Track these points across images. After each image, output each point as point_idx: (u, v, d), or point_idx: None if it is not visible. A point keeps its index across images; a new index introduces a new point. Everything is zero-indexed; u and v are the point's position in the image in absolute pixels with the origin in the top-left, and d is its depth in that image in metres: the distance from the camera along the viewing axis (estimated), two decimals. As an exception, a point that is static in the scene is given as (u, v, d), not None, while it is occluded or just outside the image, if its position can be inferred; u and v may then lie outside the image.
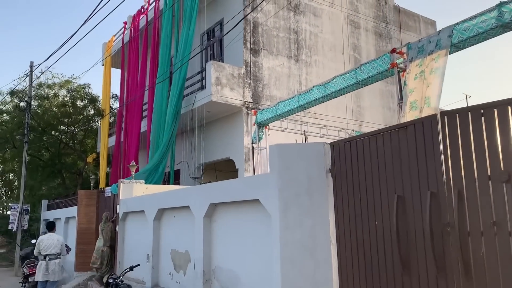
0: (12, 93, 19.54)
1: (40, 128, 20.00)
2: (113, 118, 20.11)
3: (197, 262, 6.68)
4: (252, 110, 11.44)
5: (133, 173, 10.65)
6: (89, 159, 20.40)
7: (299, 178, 5.10)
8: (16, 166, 23.66)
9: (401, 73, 6.51)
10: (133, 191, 10.26)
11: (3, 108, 21.35)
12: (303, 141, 11.16)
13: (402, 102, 6.26)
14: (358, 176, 4.66)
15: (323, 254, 4.97)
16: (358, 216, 4.64)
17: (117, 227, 10.15)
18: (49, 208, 17.90)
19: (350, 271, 4.71)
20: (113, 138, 18.67)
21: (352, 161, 4.76)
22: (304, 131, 11.15)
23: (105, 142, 18.42)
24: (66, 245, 10.61)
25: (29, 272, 12.76)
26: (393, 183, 4.24)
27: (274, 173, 5.17)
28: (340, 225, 4.92)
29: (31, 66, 18.24)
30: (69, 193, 18.60)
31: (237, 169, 12.40)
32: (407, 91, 6.13)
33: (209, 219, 6.69)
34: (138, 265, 7.84)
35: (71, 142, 21.44)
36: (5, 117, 21.16)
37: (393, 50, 6.62)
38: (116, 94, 20.79)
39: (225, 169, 14.60)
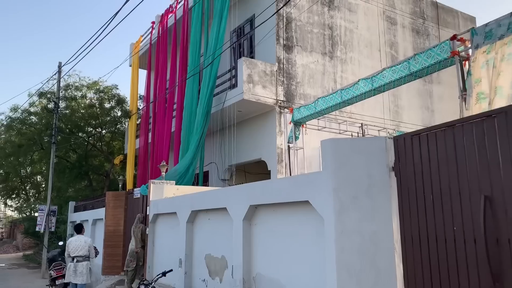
0: (41, 94, 19.54)
1: (67, 130, 19.92)
2: (139, 119, 19.88)
3: (236, 268, 6.15)
4: (289, 108, 10.87)
5: (163, 173, 10.22)
6: (116, 161, 20.20)
7: (357, 177, 4.51)
8: (43, 167, 23.70)
9: (463, 62, 5.85)
10: (164, 192, 9.82)
11: (32, 110, 21.40)
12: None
13: (465, 94, 5.59)
14: (430, 175, 4.04)
15: (385, 263, 4.37)
16: (430, 221, 4.02)
17: (147, 229, 9.72)
18: (76, 210, 17.72)
19: (420, 285, 4.09)
20: (140, 139, 18.40)
21: (422, 157, 4.15)
22: (353, 133, 10.48)
23: (132, 144, 18.14)
24: (95, 247, 10.26)
25: (56, 274, 12.48)
26: (478, 182, 3.61)
27: (328, 171, 4.60)
28: (407, 231, 4.30)
29: (59, 66, 18.16)
30: (96, 195, 18.43)
31: (269, 170, 11.84)
32: (472, 81, 5.47)
33: (249, 222, 6.15)
34: (171, 270, 7.36)
35: (98, 143, 21.31)
36: (33, 118, 21.19)
37: (454, 37, 5.97)
38: (143, 95, 20.55)
39: (255, 171, 14.08)
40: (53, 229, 17.96)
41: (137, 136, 18.43)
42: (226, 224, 6.72)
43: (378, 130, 11.28)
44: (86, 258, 9.86)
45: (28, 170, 36.06)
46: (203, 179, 13.62)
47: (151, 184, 9.78)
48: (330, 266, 4.44)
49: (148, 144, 16.73)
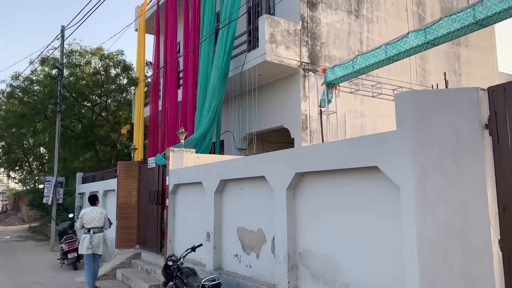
0: (43, 60, 18.59)
1: (72, 98, 19.07)
2: (147, 88, 19.01)
3: (279, 244, 5.47)
4: (320, 68, 10.01)
5: (183, 140, 9.47)
6: (123, 130, 19.46)
7: (441, 136, 3.76)
8: (47, 138, 22.96)
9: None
10: (184, 161, 9.11)
11: (34, 78, 20.48)
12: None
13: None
14: (545, 132, 3.28)
15: (478, 240, 3.66)
16: (543, 187, 3.29)
17: (167, 201, 9.05)
18: (84, 181, 17.07)
19: (528, 264, 3.39)
20: (150, 108, 17.59)
21: (533, 110, 3.38)
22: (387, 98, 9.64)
23: (140, 113, 17.32)
24: (109, 218, 9.65)
25: (68, 248, 11.95)
26: None
27: (405, 130, 3.84)
28: (506, 201, 3.58)
29: (62, 30, 17.14)
30: (102, 166, 17.76)
31: (293, 138, 11.09)
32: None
33: (293, 192, 5.43)
34: (201, 245, 6.73)
35: (104, 113, 20.50)
36: (36, 87, 20.29)
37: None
38: (151, 62, 19.58)
39: (273, 140, 13.35)
40: (60, 201, 17.37)
41: (145, 105, 17.61)
42: (264, 194, 6.02)
43: (412, 94, 10.43)
44: (102, 229, 9.35)
45: (30, 142, 35.43)
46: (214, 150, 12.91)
47: (171, 152, 9.04)
48: (409, 243, 3.74)
49: (159, 113, 15.93)
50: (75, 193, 18.33)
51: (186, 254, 6.51)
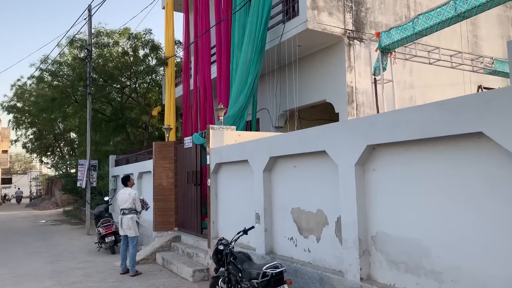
0: (71, 41, 18.24)
1: (101, 81, 18.74)
2: (177, 68, 18.48)
3: (347, 226, 4.84)
4: (374, 32, 9.19)
5: (221, 117, 8.89)
6: (154, 112, 19.06)
7: None
8: (77, 121, 22.84)
9: None
10: (224, 139, 8.53)
11: (62, 60, 20.22)
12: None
13: None
14: None
15: None
16: None
17: (208, 181, 8.51)
18: (117, 163, 16.80)
19: None
20: (181, 87, 17.09)
21: None
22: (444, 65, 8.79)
23: (171, 93, 16.81)
24: (142, 200, 9.27)
25: (105, 232, 11.67)
26: None
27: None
28: None
29: (89, 9, 16.68)
30: (134, 148, 17.44)
31: (337, 113, 10.36)
32: None
33: (363, 167, 4.76)
34: (253, 227, 6.16)
35: (133, 95, 20.14)
36: (65, 69, 20.05)
37: None
38: (179, 41, 19.01)
39: (311, 117, 12.62)
40: (94, 185, 17.19)
41: (176, 85, 17.10)
42: (325, 171, 5.37)
43: (471, 60, 9.52)
44: (132, 211, 9.10)
45: (61, 127, 35.77)
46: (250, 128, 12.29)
47: (210, 130, 8.47)
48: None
49: (190, 92, 15.40)
50: (108, 176, 18.15)
51: (238, 238, 5.96)
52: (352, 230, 4.75)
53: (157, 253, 10.24)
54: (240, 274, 5.29)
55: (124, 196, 9.13)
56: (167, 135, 11.94)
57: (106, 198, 13.67)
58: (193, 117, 14.77)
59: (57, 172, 34.38)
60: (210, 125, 8.55)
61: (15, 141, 37.96)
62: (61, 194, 33.91)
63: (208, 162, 8.55)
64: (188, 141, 10.71)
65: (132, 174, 14.17)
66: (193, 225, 10.29)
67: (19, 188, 63.44)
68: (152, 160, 11.97)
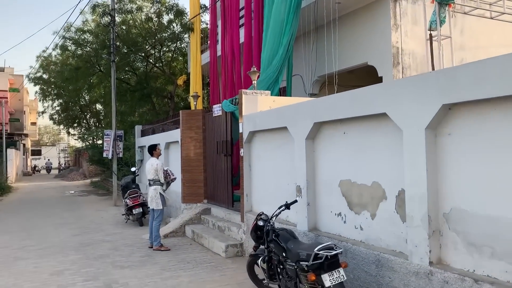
0: (94, 7, 17.61)
1: (125, 48, 18.13)
2: (203, 34, 17.68)
3: (412, 201, 4.11)
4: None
5: (255, 81, 8.13)
6: (179, 81, 18.45)
7: None
8: (102, 92, 22.46)
9: None
10: (258, 105, 7.82)
11: (85, 29, 19.66)
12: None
13: None
14: None
15: None
16: None
17: (241, 151, 7.86)
18: (144, 134, 16.35)
19: None
20: (207, 54, 16.35)
21: None
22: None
23: (196, 60, 16.07)
24: (166, 170, 8.71)
25: (132, 203, 11.27)
26: None
27: None
28: None
29: (112, -28, 15.93)
30: (160, 118, 16.92)
31: (380, 77, 9.45)
32: None
33: (434, 132, 3.98)
34: (296, 201, 5.50)
35: (158, 63, 19.50)
36: (89, 37, 19.50)
37: None
38: (205, 5, 18.13)
39: (351, 83, 11.69)
40: (120, 155, 16.84)
41: (202, 52, 16.35)
42: (384, 137, 4.61)
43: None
44: (156, 182, 8.59)
45: (87, 98, 35.71)
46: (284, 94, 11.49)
47: (243, 95, 7.76)
48: None
49: (218, 58, 14.63)
50: (135, 147, 17.77)
51: (279, 213, 5.31)
52: (419, 206, 4.02)
53: (186, 226, 9.76)
54: (284, 254, 4.66)
55: (148, 167, 8.68)
56: (195, 103, 11.30)
57: (132, 169, 13.26)
58: (222, 85, 14.05)
59: (83, 144, 34.58)
60: (243, 90, 7.83)
61: (42, 112, 38.23)
62: (88, 165, 34.16)
63: (240, 131, 7.87)
64: (217, 109, 10.04)
65: (159, 144, 13.69)
66: (224, 198, 9.73)
67: (49, 160, 65.91)
68: (179, 129, 11.40)
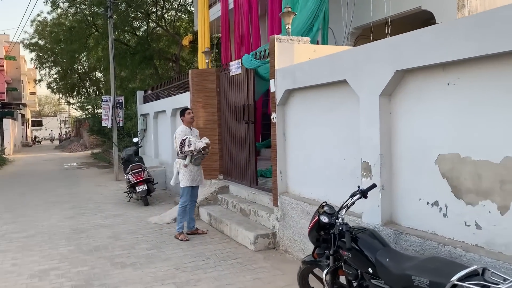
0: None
1: (124, 5, 16.10)
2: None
3: None
4: None
5: (289, 25, 6.29)
6: (185, 41, 16.52)
7: None
8: (101, 55, 20.51)
9: None
10: (294, 56, 6.04)
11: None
12: None
13: None
14: None
15: None
16: None
17: (273, 116, 6.12)
18: (146, 100, 14.56)
19: None
20: (217, 8, 14.42)
21: None
22: None
23: (204, 16, 14.10)
24: (184, 140, 6.85)
25: (136, 179, 9.64)
26: None
27: None
28: None
29: None
30: (164, 81, 15.09)
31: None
32: None
33: None
34: (374, 186, 3.80)
35: (161, 22, 17.50)
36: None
37: None
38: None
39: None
40: (121, 124, 15.12)
41: (210, 6, 14.37)
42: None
43: None
44: (177, 154, 6.88)
45: (85, 66, 33.76)
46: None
47: (276, 43, 5.95)
48: None
49: (229, 12, 12.71)
50: (137, 116, 16.04)
51: (352, 203, 3.62)
52: None
53: (200, 207, 8.15)
54: (370, 270, 3.01)
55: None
56: (207, 60, 9.47)
57: (135, 139, 11.59)
58: (235, 42, 12.18)
59: (83, 113, 32.93)
60: (276, 36, 6.01)
61: (39, 80, 36.39)
62: (88, 136, 32.59)
63: (272, 89, 6.11)
64: (235, 66, 8.25)
65: (164, 112, 11.96)
66: (245, 174, 8.07)
67: (52, 130, 65.40)
68: (188, 93, 9.65)
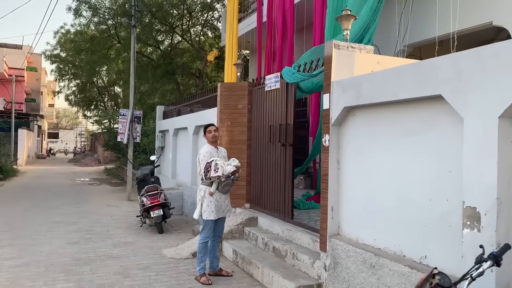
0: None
1: (148, 13, 15.36)
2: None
3: None
4: None
5: (347, 31, 5.21)
6: (210, 56, 15.64)
7: None
8: (121, 67, 19.80)
9: None
10: (355, 67, 4.95)
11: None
12: None
13: None
14: None
15: None
16: None
17: (324, 138, 4.99)
18: (166, 115, 13.62)
19: None
20: (246, 23, 13.60)
21: None
22: None
23: (233, 30, 13.26)
24: (210, 162, 5.67)
25: (150, 203, 8.54)
26: None
27: None
28: None
29: None
30: (188, 95, 14.16)
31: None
32: None
33: None
34: (508, 247, 2.61)
35: (186, 36, 16.72)
36: (107, 2, 16.81)
37: None
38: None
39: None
40: (137, 140, 14.15)
41: (239, 20, 13.54)
42: None
43: None
44: (201, 180, 5.71)
45: (105, 80, 33.36)
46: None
47: (334, 50, 4.88)
48: None
49: (263, 25, 11.82)
50: (154, 132, 15.09)
51: (480, 274, 2.44)
52: None
53: (224, 241, 6.97)
54: None
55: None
56: (238, 73, 8.45)
57: (152, 157, 10.54)
58: (266, 56, 11.22)
59: (99, 127, 32.35)
60: (334, 41, 4.94)
61: (58, 92, 36.13)
62: (103, 151, 31.87)
63: (326, 106, 5.00)
64: (273, 80, 7.20)
65: (185, 128, 10.94)
66: (278, 204, 6.92)
67: (67, 143, 65.96)
68: (215, 109, 8.62)
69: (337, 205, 4.89)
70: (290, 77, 6.57)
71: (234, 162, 5.65)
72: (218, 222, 5.81)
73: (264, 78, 7.61)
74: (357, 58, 5.00)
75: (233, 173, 5.54)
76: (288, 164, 6.74)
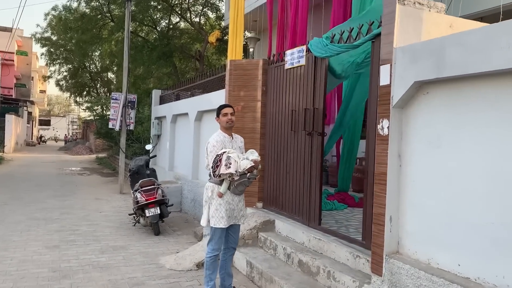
0: None
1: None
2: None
3: None
4: None
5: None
6: (211, 37, 14.32)
7: None
8: (115, 48, 18.38)
9: None
10: (422, 30, 3.71)
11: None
12: None
13: None
14: None
15: None
16: None
17: (381, 125, 3.75)
18: (163, 100, 12.30)
19: None
20: (250, 1, 12.23)
21: None
22: None
23: (238, 7, 11.92)
24: (221, 156, 4.36)
25: (145, 200, 7.29)
26: None
27: None
28: None
29: None
30: (187, 78, 12.84)
31: None
32: None
33: None
34: None
35: (186, 15, 15.35)
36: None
37: None
38: None
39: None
40: (131, 127, 12.84)
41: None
42: None
43: None
44: (209, 176, 4.44)
45: (97, 65, 31.98)
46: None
47: (398, 6, 3.63)
48: None
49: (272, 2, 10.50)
50: (149, 119, 13.78)
51: None
52: None
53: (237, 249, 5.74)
54: None
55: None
56: (252, 48, 7.16)
57: (148, 147, 9.28)
58: (278, 36, 9.94)
59: (91, 114, 30.92)
60: (398, -4, 3.69)
61: (48, 77, 34.60)
62: (95, 139, 30.52)
63: (385, 82, 3.76)
64: (295, 56, 5.95)
65: (186, 114, 9.65)
66: (300, 205, 5.71)
67: (57, 131, 64.73)
68: (223, 91, 7.37)
69: (396, 214, 3.68)
70: (321, 49, 5.32)
71: (253, 155, 4.35)
72: (231, 231, 4.55)
73: (284, 53, 6.35)
74: (426, 19, 3.75)
75: (250, 169, 4.25)
76: (315, 157, 5.53)
